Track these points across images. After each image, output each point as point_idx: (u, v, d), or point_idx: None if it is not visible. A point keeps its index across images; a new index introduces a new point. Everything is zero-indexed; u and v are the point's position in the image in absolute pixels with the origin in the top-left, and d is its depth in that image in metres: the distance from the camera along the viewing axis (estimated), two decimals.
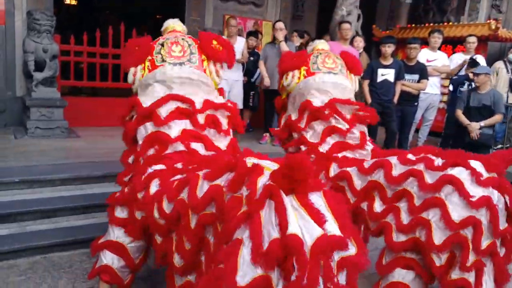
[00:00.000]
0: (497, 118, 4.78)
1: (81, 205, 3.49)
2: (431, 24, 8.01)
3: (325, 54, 3.31)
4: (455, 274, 2.30)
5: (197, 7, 7.16)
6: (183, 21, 6.98)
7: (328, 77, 3.17)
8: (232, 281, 1.40)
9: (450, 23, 8.05)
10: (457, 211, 2.27)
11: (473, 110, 4.80)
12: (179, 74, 2.49)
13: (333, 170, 2.89)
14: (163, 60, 2.51)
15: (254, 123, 6.55)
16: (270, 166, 1.67)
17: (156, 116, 2.36)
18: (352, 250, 1.52)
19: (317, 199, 1.53)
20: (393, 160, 2.66)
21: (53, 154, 4.33)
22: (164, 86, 2.48)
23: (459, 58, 5.99)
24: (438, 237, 2.28)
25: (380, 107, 5.04)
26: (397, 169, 2.59)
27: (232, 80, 5.79)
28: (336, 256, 1.47)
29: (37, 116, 5.07)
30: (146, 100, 2.42)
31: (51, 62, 5.21)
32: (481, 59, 6.04)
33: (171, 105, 2.41)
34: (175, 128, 2.37)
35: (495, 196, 2.28)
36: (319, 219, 1.44)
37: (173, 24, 2.76)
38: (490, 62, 7.24)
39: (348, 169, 2.83)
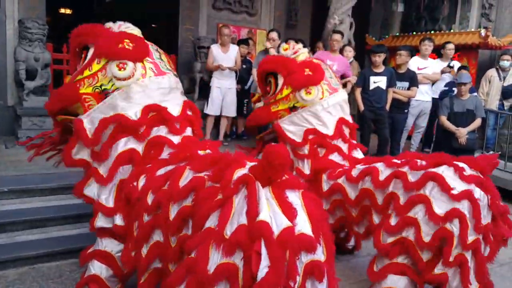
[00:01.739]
0: (479, 122, 5.06)
1: (71, 214, 3.46)
2: (423, 33, 8.09)
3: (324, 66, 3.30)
4: (438, 269, 2.36)
5: (191, 16, 7.19)
6: (177, 30, 7.10)
7: (337, 96, 3.19)
8: (203, 269, 1.42)
9: (442, 32, 8.14)
10: (440, 205, 2.35)
11: (458, 116, 4.98)
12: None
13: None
14: (168, 69, 2.54)
15: (248, 131, 6.55)
16: (249, 163, 1.70)
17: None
18: (320, 256, 1.51)
19: (294, 198, 1.54)
20: (380, 165, 2.75)
21: (43, 163, 4.27)
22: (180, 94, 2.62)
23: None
24: (426, 233, 2.36)
25: (372, 114, 5.09)
26: (384, 173, 2.68)
27: (226, 88, 5.82)
28: (305, 258, 1.45)
29: (29, 125, 5.04)
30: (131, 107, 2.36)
31: (42, 71, 5.20)
32: (458, 64, 6.24)
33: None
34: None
35: (477, 192, 2.35)
36: (290, 213, 1.46)
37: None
38: (481, 70, 7.36)
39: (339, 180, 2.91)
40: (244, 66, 6.15)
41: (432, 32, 8.16)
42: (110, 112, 2.33)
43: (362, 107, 5.11)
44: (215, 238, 1.44)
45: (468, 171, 2.41)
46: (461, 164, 2.44)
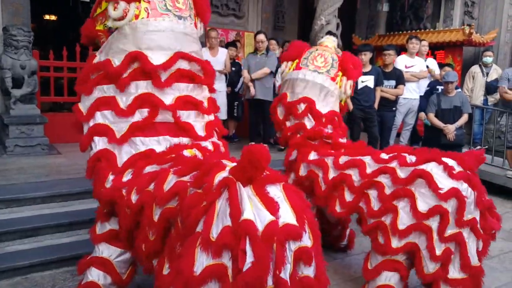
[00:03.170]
0: (466, 117, 5.17)
1: (63, 222, 3.42)
2: (408, 31, 8.21)
3: (321, 51, 3.45)
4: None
5: None
6: None
7: (311, 75, 3.24)
8: (189, 272, 1.47)
9: (427, 30, 8.26)
10: (425, 202, 2.43)
11: (446, 112, 5.08)
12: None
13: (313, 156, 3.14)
14: (167, 10, 2.40)
15: (239, 133, 6.56)
16: (230, 164, 1.74)
17: None
18: (307, 242, 1.57)
19: (276, 191, 1.59)
20: (367, 159, 2.83)
21: (33, 172, 4.24)
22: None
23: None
24: (402, 223, 2.46)
25: (362, 113, 5.14)
26: (371, 167, 2.77)
27: (216, 90, 5.78)
28: (293, 246, 1.52)
29: (16, 133, 4.97)
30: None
31: (29, 79, 5.14)
32: (432, 62, 6.38)
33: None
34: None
35: (465, 189, 2.42)
36: (272, 207, 1.49)
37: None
38: (466, 66, 7.51)
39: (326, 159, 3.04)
40: (233, 68, 6.16)
41: (417, 30, 8.29)
42: (109, 54, 2.34)
43: (351, 107, 5.14)
44: (201, 242, 1.49)
45: (457, 169, 2.46)
46: (450, 162, 2.49)
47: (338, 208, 2.86)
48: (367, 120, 5.20)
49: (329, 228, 3.35)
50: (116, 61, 2.29)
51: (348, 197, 2.81)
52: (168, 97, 2.32)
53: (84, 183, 3.78)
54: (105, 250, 2.31)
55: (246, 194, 1.52)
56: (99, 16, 2.43)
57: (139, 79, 2.29)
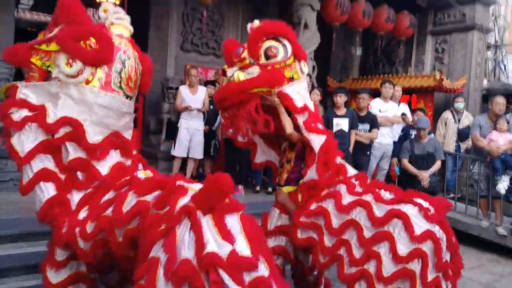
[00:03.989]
0: (439, 164, 5.26)
1: (32, 263, 3.31)
2: (381, 75, 8.50)
3: None
4: None
5: (159, 58, 7.29)
6: None
7: None
8: None
9: (399, 75, 8.58)
10: (404, 245, 2.43)
11: (419, 158, 5.17)
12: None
13: None
14: (120, 87, 2.41)
15: (213, 173, 6.51)
16: (197, 188, 1.77)
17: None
18: (264, 271, 1.59)
19: (233, 221, 1.64)
20: (342, 189, 2.81)
21: (4, 209, 4.14)
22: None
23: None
24: (387, 270, 2.43)
25: None
26: (346, 199, 2.73)
27: (193, 129, 5.85)
28: (248, 277, 1.54)
29: None
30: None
31: None
32: (405, 108, 6.54)
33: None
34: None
35: (439, 231, 2.46)
36: (229, 239, 1.56)
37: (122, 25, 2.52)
38: (437, 112, 7.69)
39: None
40: (211, 106, 6.25)
41: (390, 75, 8.58)
42: (41, 98, 2.27)
43: None
44: (164, 271, 1.52)
45: (432, 210, 2.52)
46: (425, 204, 2.54)
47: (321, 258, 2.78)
48: None
49: (303, 273, 3.34)
50: (51, 112, 2.25)
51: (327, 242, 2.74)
52: (103, 168, 2.32)
53: None
54: None
55: (206, 224, 1.58)
56: (42, 52, 2.29)
57: (72, 141, 2.27)
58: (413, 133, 5.80)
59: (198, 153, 5.89)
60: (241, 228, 1.63)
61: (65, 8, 2.30)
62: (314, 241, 2.82)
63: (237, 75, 2.87)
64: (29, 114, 2.25)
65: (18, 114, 2.25)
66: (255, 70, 2.85)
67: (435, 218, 2.49)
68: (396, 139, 6.14)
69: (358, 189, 2.80)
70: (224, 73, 3.04)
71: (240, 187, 5.90)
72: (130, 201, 1.92)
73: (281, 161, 3.28)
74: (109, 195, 2.11)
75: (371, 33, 8.44)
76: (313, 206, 2.85)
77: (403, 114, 6.32)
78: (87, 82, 2.28)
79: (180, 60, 7.52)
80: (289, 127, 2.95)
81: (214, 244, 1.52)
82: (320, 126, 2.98)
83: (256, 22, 3.02)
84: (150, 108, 6.99)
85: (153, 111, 6.91)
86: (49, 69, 2.28)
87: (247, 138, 3.31)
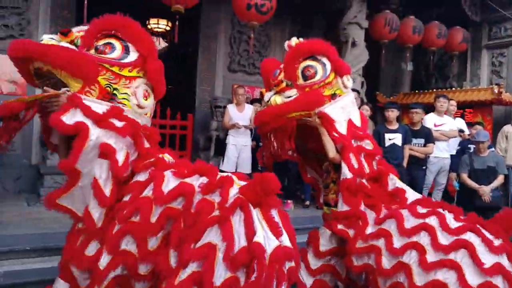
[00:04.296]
0: (502, 179, 4.97)
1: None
2: (434, 90, 8.25)
3: None
4: None
5: (207, 78, 7.56)
6: (194, 90, 7.42)
7: None
8: (209, 282, 1.63)
9: (454, 89, 8.29)
10: (473, 276, 2.23)
11: (479, 173, 4.91)
12: None
13: None
14: None
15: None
16: (237, 181, 1.94)
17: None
18: (294, 262, 1.82)
19: (275, 215, 1.81)
20: (405, 212, 2.63)
21: (66, 221, 4.31)
22: None
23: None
24: None
25: None
26: (410, 222, 2.55)
27: (241, 145, 5.95)
28: (288, 265, 1.76)
29: (51, 183, 5.16)
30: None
31: None
32: (461, 122, 6.27)
33: None
34: None
35: (507, 263, 2.25)
36: (277, 232, 1.73)
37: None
38: (497, 124, 7.37)
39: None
40: None
41: (443, 89, 8.33)
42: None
43: None
44: (224, 256, 1.66)
45: (496, 242, 2.31)
46: (489, 235, 2.34)
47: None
48: None
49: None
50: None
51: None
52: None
53: None
54: None
55: (256, 216, 1.73)
56: (112, 74, 2.16)
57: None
58: (472, 147, 5.54)
59: (246, 168, 5.94)
60: (280, 220, 1.80)
61: (136, 34, 2.26)
62: (370, 267, 2.64)
63: (274, 99, 2.79)
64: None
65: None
66: (292, 93, 2.77)
67: (501, 248, 2.29)
68: (453, 153, 5.92)
69: (421, 210, 2.62)
70: (262, 96, 2.95)
71: (290, 201, 5.89)
72: (168, 182, 1.98)
73: (325, 181, 3.15)
74: (141, 176, 2.11)
75: (421, 48, 8.24)
76: (369, 230, 2.70)
77: (461, 131, 6.08)
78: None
79: (228, 80, 7.72)
80: (331, 151, 2.83)
81: (261, 235, 1.67)
82: (353, 158, 2.78)
83: (294, 39, 2.96)
84: (199, 126, 7.19)
85: (202, 129, 7.09)
86: (114, 92, 2.18)
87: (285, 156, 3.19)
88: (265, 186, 1.71)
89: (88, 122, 2.01)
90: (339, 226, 2.81)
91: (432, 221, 2.50)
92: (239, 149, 5.93)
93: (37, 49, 2.03)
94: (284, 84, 2.78)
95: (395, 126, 5.21)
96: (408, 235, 2.51)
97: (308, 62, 2.82)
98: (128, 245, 1.97)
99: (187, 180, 1.98)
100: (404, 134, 5.17)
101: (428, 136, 5.40)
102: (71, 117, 1.98)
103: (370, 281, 2.71)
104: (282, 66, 2.90)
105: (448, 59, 9.00)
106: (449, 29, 7.85)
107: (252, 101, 6.64)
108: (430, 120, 5.87)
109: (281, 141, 2.84)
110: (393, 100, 7.79)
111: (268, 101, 2.85)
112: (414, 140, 5.36)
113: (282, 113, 2.71)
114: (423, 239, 2.45)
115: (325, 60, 2.86)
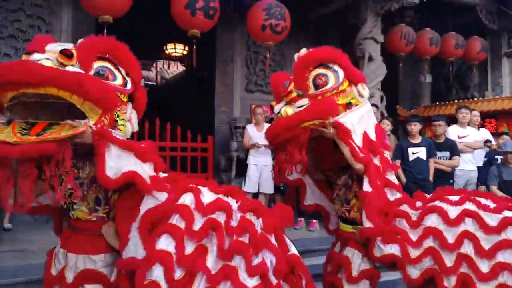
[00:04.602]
0: None
1: None
2: (455, 101, 8.11)
3: None
4: None
5: (225, 99, 7.62)
6: (213, 111, 7.48)
7: None
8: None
9: (476, 99, 8.13)
10: None
11: (509, 184, 4.82)
12: None
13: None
14: None
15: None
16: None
17: None
18: None
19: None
20: (443, 205, 2.50)
21: None
22: None
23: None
24: None
25: (416, 186, 4.87)
26: (453, 212, 2.43)
27: (262, 165, 5.91)
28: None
29: None
30: None
31: None
32: (486, 133, 6.10)
33: None
34: None
35: None
36: (286, 249, 2.17)
37: None
38: None
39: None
40: None
41: (465, 100, 8.18)
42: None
43: (404, 179, 5.00)
44: (274, 270, 2.06)
45: None
46: None
47: None
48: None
49: None
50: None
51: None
52: None
53: None
54: None
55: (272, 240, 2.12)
56: (121, 102, 2.18)
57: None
58: (499, 158, 5.37)
59: (268, 188, 5.90)
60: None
61: (129, 59, 2.23)
62: (433, 271, 2.44)
63: (285, 110, 2.62)
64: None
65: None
66: (304, 102, 2.60)
67: None
68: (480, 165, 5.75)
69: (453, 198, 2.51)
70: (273, 109, 2.79)
71: (301, 219, 5.84)
72: (206, 195, 2.13)
73: (346, 197, 2.87)
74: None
75: (439, 60, 8.14)
76: (413, 235, 2.50)
77: (488, 141, 5.92)
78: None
79: (246, 101, 7.76)
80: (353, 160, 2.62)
81: (294, 249, 2.17)
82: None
83: (303, 50, 2.80)
84: (219, 148, 7.20)
85: (223, 150, 7.10)
86: (117, 118, 2.15)
87: (296, 176, 3.00)
88: (283, 218, 2.19)
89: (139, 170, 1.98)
90: (378, 253, 2.57)
91: (471, 206, 2.42)
92: (260, 169, 5.90)
93: (68, 79, 1.81)
94: (294, 94, 2.64)
95: (418, 140, 5.12)
96: (454, 224, 2.38)
97: (319, 71, 2.66)
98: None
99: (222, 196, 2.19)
100: (428, 147, 5.07)
101: (453, 149, 5.28)
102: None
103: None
104: (291, 77, 2.76)
105: (467, 69, 8.87)
106: (466, 39, 7.76)
107: (271, 120, 6.63)
108: (453, 132, 5.74)
109: (291, 153, 2.60)
110: (414, 113, 7.67)
111: (278, 113, 2.69)
112: (439, 153, 5.25)
113: (294, 123, 2.52)
114: (470, 226, 2.36)
115: (336, 67, 2.69)
